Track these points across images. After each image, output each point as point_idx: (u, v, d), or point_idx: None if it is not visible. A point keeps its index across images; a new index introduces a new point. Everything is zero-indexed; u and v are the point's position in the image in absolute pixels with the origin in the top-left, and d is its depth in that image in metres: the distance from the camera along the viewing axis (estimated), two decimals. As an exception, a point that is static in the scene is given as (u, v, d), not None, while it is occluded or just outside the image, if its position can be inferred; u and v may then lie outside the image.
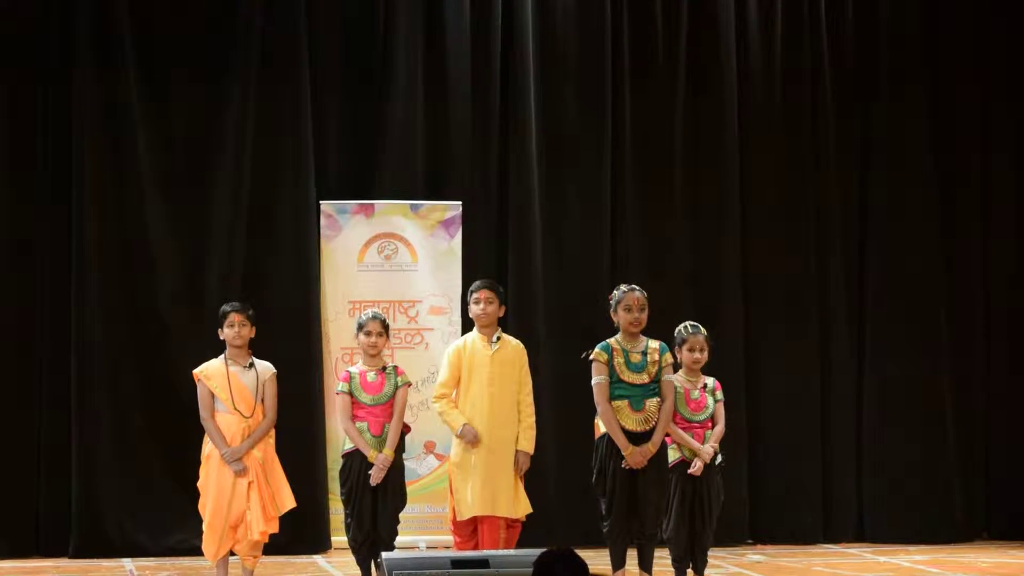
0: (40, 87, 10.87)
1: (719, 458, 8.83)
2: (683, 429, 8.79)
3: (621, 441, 8.61)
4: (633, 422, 8.67)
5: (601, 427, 8.76)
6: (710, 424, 8.87)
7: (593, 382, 8.74)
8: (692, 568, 8.82)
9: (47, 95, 10.88)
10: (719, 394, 8.94)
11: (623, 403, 8.68)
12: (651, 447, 8.63)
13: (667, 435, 8.77)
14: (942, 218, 12.00)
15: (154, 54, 10.97)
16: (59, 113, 10.87)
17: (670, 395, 8.76)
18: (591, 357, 8.78)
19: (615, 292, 8.92)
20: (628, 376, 8.71)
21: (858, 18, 11.97)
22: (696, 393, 8.86)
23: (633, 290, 8.85)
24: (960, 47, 12.08)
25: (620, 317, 8.81)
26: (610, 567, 8.84)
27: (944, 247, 11.98)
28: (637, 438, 8.66)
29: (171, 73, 11.01)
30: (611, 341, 8.81)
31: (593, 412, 8.83)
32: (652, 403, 8.70)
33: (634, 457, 8.60)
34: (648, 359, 8.76)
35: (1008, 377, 12.01)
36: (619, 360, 8.73)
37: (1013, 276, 12.06)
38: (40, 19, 10.87)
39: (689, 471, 8.70)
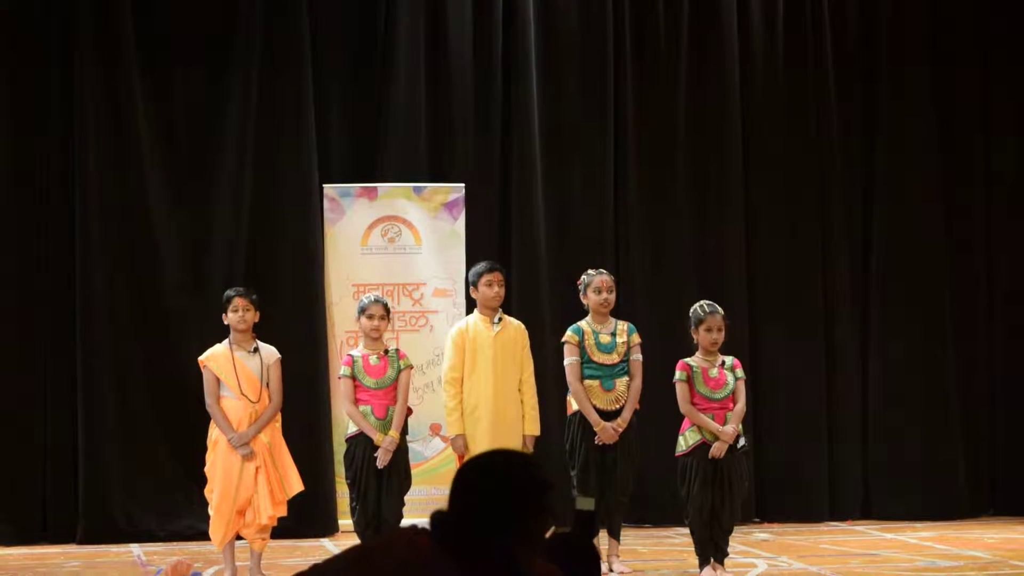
0: (43, 73, 10.87)
1: (742, 441, 8.79)
2: (703, 409, 8.75)
3: (593, 417, 9.00)
4: (603, 401, 9.06)
5: (572, 405, 9.12)
6: (731, 403, 8.82)
7: (565, 363, 9.13)
8: (713, 556, 8.79)
9: (50, 80, 10.88)
10: (739, 372, 8.92)
11: (594, 383, 9.06)
12: (621, 422, 9.01)
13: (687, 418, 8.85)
14: (946, 200, 11.98)
15: (156, 39, 10.96)
16: (62, 96, 10.87)
17: (638, 374, 9.13)
18: (562, 339, 9.15)
19: (583, 277, 9.25)
20: (598, 356, 9.08)
21: (861, -1, 11.98)
22: (714, 371, 8.82)
23: (601, 273, 9.24)
24: (962, 29, 12.05)
25: (590, 299, 9.18)
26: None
27: (948, 229, 11.97)
28: (607, 416, 9.02)
29: (173, 58, 11.01)
30: (582, 323, 9.19)
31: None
32: (621, 382, 9.09)
33: (606, 432, 8.99)
34: (617, 339, 9.11)
35: (1012, 355, 12.01)
36: (589, 341, 9.10)
37: (1016, 258, 12.04)
38: (42, 9, 10.87)
39: (710, 454, 8.68)
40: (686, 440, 8.78)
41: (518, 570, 3.38)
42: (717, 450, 8.67)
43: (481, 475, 3.50)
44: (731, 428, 8.71)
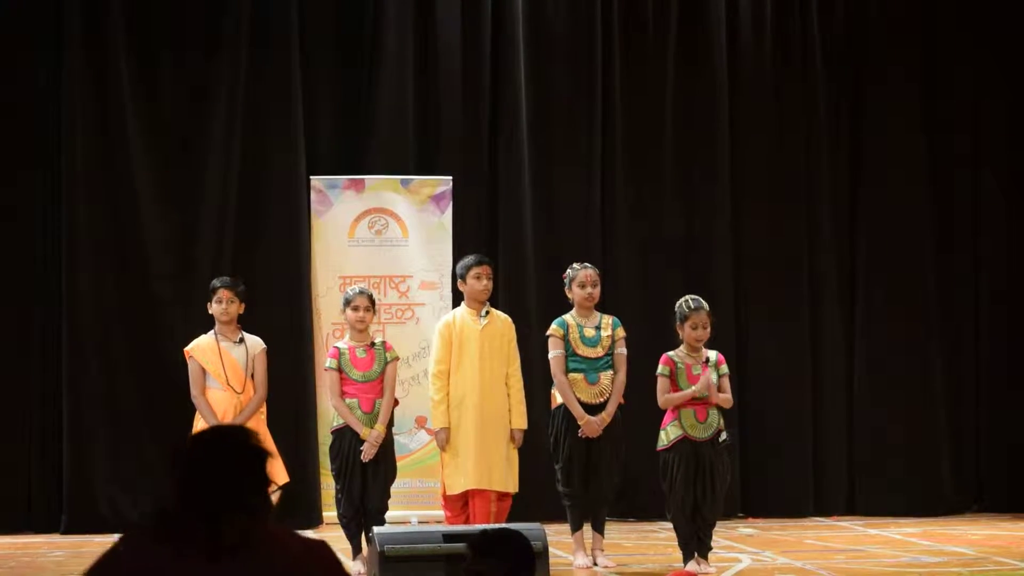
0: (30, 63, 10.86)
1: (724, 435, 8.77)
2: (685, 406, 8.74)
3: (577, 411, 8.97)
4: (588, 395, 9.04)
5: (557, 398, 9.11)
6: (714, 400, 8.78)
7: (550, 356, 9.13)
8: (697, 551, 8.79)
9: (36, 71, 10.86)
10: (723, 368, 8.87)
11: (579, 376, 9.05)
12: (606, 416, 9.00)
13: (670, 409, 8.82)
14: (933, 196, 11.99)
15: (144, 30, 10.95)
16: (49, 89, 10.86)
17: (623, 368, 9.11)
18: (547, 333, 9.16)
19: (568, 271, 9.25)
20: (583, 350, 9.08)
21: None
22: (697, 368, 8.79)
23: (586, 267, 9.24)
24: (952, 24, 12.05)
25: (575, 293, 9.18)
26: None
27: (935, 225, 11.97)
28: (592, 410, 8.99)
29: (161, 50, 11.01)
30: (566, 317, 9.20)
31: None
32: (606, 376, 9.07)
33: (590, 426, 8.97)
34: (602, 333, 9.11)
35: (999, 347, 12.02)
36: (574, 335, 9.11)
37: (1003, 254, 12.05)
38: (29, 6, 10.86)
39: (697, 387, 8.64)
40: (667, 435, 8.77)
41: (217, 539, 3.40)
42: (703, 386, 8.64)
43: (197, 451, 3.58)
44: (710, 375, 8.70)
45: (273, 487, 3.59)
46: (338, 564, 3.56)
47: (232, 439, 3.60)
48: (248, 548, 3.42)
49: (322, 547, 3.55)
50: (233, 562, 3.40)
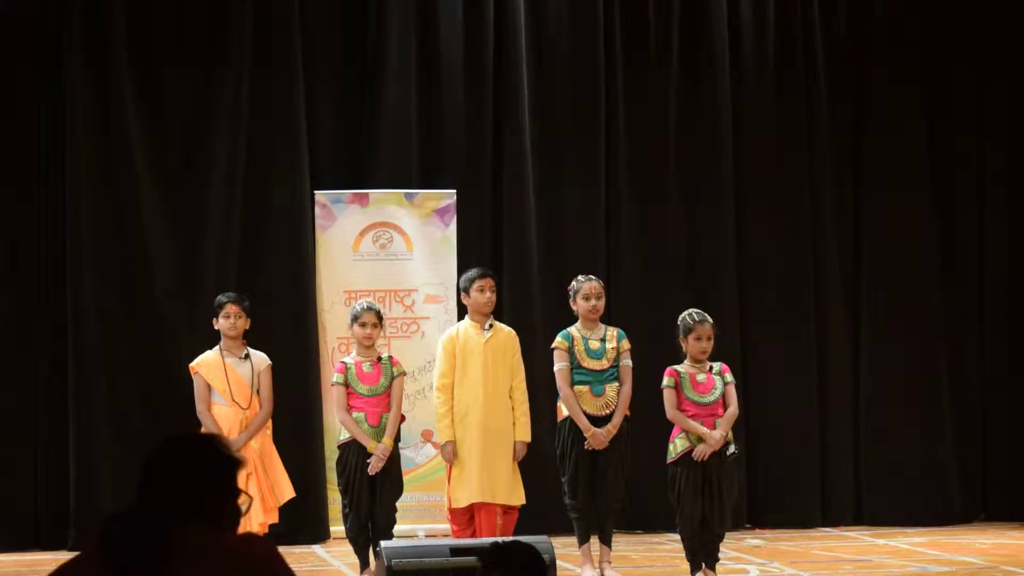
0: (33, 80, 10.85)
1: (732, 448, 8.73)
2: (692, 415, 8.68)
3: (583, 423, 8.97)
4: (594, 407, 9.03)
5: (563, 411, 9.09)
6: (720, 409, 8.75)
7: (555, 368, 9.11)
8: (705, 562, 8.77)
9: (40, 88, 10.86)
10: (728, 376, 8.84)
11: (584, 388, 9.04)
12: (612, 428, 8.98)
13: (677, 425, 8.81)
14: (937, 200, 11.98)
15: (146, 41, 10.94)
16: (52, 106, 10.85)
17: (628, 380, 9.11)
18: (552, 345, 9.16)
19: (573, 283, 9.25)
20: (588, 362, 9.08)
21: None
22: (702, 376, 8.75)
23: (590, 279, 9.24)
24: (955, 27, 12.06)
25: (579, 306, 9.18)
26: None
27: (940, 230, 11.97)
28: (597, 422, 8.99)
29: (164, 64, 10.99)
30: (571, 329, 9.19)
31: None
32: (611, 388, 9.06)
33: (596, 438, 8.95)
34: (607, 345, 9.10)
35: (1005, 356, 12.01)
36: (579, 347, 9.11)
37: (1009, 259, 12.04)
38: (32, 11, 10.85)
39: (694, 456, 8.63)
40: (675, 447, 8.74)
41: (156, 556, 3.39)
42: (700, 453, 8.62)
43: (167, 457, 3.61)
44: (719, 433, 8.64)
45: (243, 498, 3.54)
46: (284, 566, 3.52)
47: (197, 446, 3.58)
48: (193, 559, 3.40)
49: (267, 553, 3.50)
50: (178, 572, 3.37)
